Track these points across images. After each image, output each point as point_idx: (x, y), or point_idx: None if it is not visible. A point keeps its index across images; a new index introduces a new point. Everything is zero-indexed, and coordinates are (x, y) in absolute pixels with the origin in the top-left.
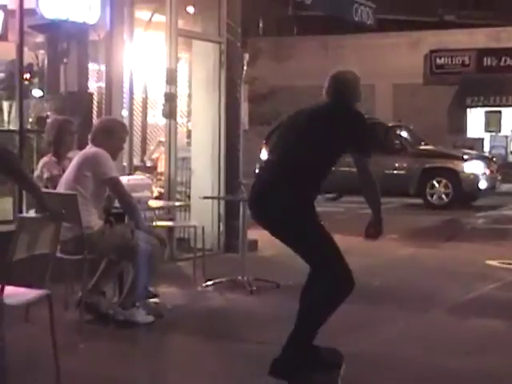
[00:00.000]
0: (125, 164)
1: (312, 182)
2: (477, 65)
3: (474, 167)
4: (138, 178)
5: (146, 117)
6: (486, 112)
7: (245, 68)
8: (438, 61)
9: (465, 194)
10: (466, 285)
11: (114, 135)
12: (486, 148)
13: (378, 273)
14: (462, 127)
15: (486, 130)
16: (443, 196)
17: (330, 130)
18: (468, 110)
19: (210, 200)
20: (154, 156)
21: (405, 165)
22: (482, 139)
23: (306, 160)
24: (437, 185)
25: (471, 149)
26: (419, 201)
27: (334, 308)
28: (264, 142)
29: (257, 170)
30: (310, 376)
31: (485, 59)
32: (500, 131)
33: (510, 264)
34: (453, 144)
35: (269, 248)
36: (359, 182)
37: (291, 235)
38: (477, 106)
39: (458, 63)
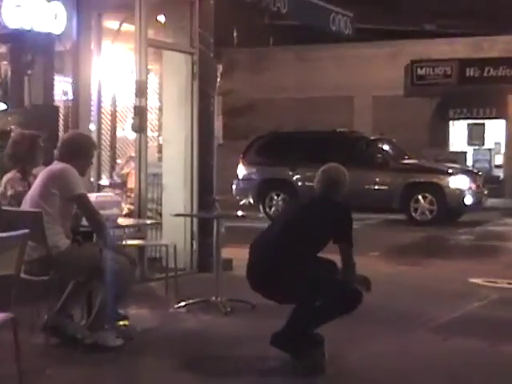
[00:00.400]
0: (93, 180)
1: (307, 258)
2: (459, 76)
3: (459, 182)
4: (107, 194)
5: (115, 131)
6: (469, 124)
7: (218, 80)
8: (419, 71)
9: (450, 209)
10: (449, 303)
11: (81, 150)
12: (470, 162)
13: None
14: (444, 140)
15: (469, 144)
16: (427, 212)
17: (322, 220)
18: (450, 122)
19: (183, 218)
20: (124, 172)
21: (387, 179)
22: (465, 153)
23: (303, 244)
24: (421, 200)
25: (454, 163)
26: (402, 217)
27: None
28: (241, 156)
29: (233, 187)
30: (305, 349)
31: (467, 70)
32: (483, 144)
33: (494, 282)
34: (435, 158)
35: (244, 267)
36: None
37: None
38: (459, 119)
39: (440, 74)
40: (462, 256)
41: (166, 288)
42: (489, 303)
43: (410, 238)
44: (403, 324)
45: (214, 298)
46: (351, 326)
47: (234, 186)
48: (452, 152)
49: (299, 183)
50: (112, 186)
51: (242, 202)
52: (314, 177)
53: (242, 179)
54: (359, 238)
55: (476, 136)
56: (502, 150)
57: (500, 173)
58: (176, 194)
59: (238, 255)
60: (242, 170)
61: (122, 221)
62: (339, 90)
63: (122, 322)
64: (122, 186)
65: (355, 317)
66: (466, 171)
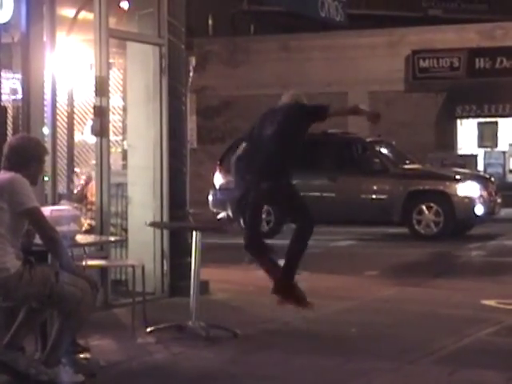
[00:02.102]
0: (47, 192)
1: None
2: (468, 67)
3: (468, 189)
4: (64, 208)
5: (72, 135)
6: (480, 123)
7: (191, 75)
8: (422, 63)
9: (458, 221)
10: (457, 330)
11: (30, 157)
12: (480, 166)
13: (355, 318)
14: (451, 142)
15: (480, 145)
16: (432, 224)
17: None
18: (458, 121)
19: (152, 234)
20: (81, 182)
21: (387, 188)
22: (476, 156)
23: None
24: (425, 211)
25: (463, 167)
26: (404, 230)
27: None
28: (218, 163)
29: (210, 198)
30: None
31: (477, 61)
32: (496, 146)
33: (509, 304)
34: (441, 162)
35: (222, 290)
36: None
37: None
38: (468, 117)
39: (446, 66)
40: (473, 275)
41: (133, 315)
42: (503, 329)
43: (413, 255)
44: (405, 356)
45: (190, 323)
46: (347, 360)
47: (210, 198)
48: (460, 155)
49: None
50: (69, 198)
51: (219, 216)
52: (302, 186)
53: (220, 189)
54: (353, 256)
55: (488, 136)
56: None
57: None
58: (143, 206)
59: (215, 277)
60: (219, 179)
61: (81, 238)
62: (330, 85)
63: (82, 355)
64: (81, 198)
65: (352, 349)
66: (477, 177)
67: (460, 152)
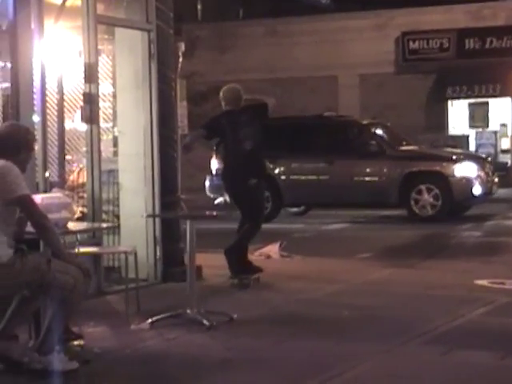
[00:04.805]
0: (39, 180)
1: None
2: (457, 48)
3: (466, 170)
4: (55, 195)
5: (62, 122)
6: (471, 104)
7: (180, 60)
8: (412, 45)
9: (456, 202)
10: (450, 310)
11: (20, 144)
12: (472, 146)
13: (347, 301)
14: (441, 123)
15: (471, 126)
16: (430, 205)
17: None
18: (449, 102)
19: (144, 220)
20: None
21: (383, 170)
22: (467, 136)
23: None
24: (422, 192)
25: (454, 148)
26: (399, 212)
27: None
28: (214, 148)
29: (207, 183)
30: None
31: (466, 41)
32: (487, 126)
33: (502, 283)
34: (431, 143)
35: (215, 275)
36: None
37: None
38: (459, 98)
39: (436, 47)
40: (467, 255)
41: (126, 302)
42: (496, 308)
43: (407, 237)
44: (396, 337)
45: (189, 311)
46: (337, 342)
47: (207, 183)
48: (451, 136)
49: (282, 177)
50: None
51: (216, 201)
52: (299, 170)
53: (216, 175)
54: (346, 239)
55: (478, 117)
56: (509, 132)
57: (507, 158)
58: (135, 193)
59: (208, 262)
60: (215, 164)
61: (73, 225)
62: (320, 68)
63: (76, 343)
64: (73, 186)
65: (341, 330)
66: (474, 157)
67: (451, 133)
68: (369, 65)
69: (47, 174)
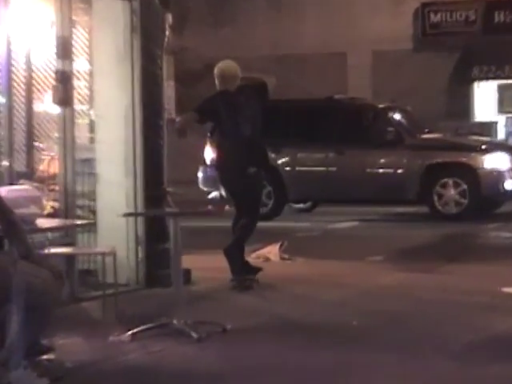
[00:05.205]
0: (2, 170)
1: None
2: (485, 22)
3: (497, 161)
4: (22, 188)
5: (31, 104)
6: (500, 86)
7: (167, 34)
8: (433, 18)
9: (485, 197)
10: (473, 321)
11: None
12: (501, 135)
13: (357, 308)
14: (466, 108)
15: (500, 111)
16: (455, 202)
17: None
18: (475, 84)
19: (124, 217)
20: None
21: (402, 160)
22: (496, 123)
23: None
24: (447, 186)
25: (481, 136)
26: (417, 209)
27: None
28: (208, 135)
29: (199, 174)
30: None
31: (496, 14)
32: None
33: None
34: (455, 131)
35: (207, 279)
36: None
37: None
38: (487, 79)
39: (460, 20)
40: (493, 259)
41: (104, 310)
42: None
43: (427, 237)
44: (413, 349)
45: (175, 321)
46: (348, 354)
47: (199, 174)
48: (477, 123)
49: (286, 168)
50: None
51: (210, 196)
52: (306, 160)
53: (210, 165)
54: (355, 238)
55: (509, 101)
56: None
57: None
58: (114, 185)
59: (200, 264)
60: (210, 154)
61: (43, 222)
62: (327, 44)
63: (45, 356)
64: (43, 178)
65: (352, 341)
66: (505, 147)
67: (477, 119)
68: (383, 40)
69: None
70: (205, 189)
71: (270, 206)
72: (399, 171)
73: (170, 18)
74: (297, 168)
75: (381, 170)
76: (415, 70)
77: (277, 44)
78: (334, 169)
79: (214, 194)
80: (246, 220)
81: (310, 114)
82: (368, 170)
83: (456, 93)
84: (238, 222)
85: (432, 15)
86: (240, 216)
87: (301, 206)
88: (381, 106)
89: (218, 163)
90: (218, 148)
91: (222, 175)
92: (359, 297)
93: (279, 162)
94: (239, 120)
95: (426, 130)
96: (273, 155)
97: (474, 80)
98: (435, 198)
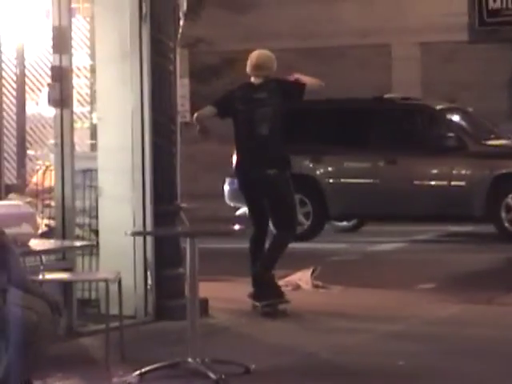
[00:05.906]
0: None
1: None
2: None
3: None
4: (13, 204)
5: (23, 105)
6: None
7: (181, 23)
8: (492, 4)
9: None
10: None
11: None
12: None
13: (401, 347)
14: None
15: None
16: None
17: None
18: None
19: (130, 237)
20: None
21: (465, 171)
22: None
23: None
24: None
25: None
26: (488, 229)
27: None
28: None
29: (226, 187)
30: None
31: None
32: None
33: None
34: None
35: (227, 311)
36: None
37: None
38: None
39: None
40: None
41: (107, 346)
42: None
43: (488, 262)
44: None
45: (190, 359)
46: None
47: (226, 187)
48: None
49: (327, 180)
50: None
51: (238, 213)
52: (350, 170)
53: None
54: (402, 263)
55: None
56: None
57: None
58: (119, 200)
59: (218, 293)
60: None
61: (36, 243)
62: (367, 35)
63: None
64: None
65: None
66: None
67: None
68: (433, 30)
69: None
70: (231, 204)
71: (307, 225)
72: (461, 183)
73: (184, 4)
74: (339, 180)
75: (438, 182)
76: (471, 64)
77: (306, 34)
78: (382, 181)
79: (242, 211)
80: (278, 234)
81: (356, 117)
82: (422, 182)
83: None
84: (256, 243)
85: (491, 1)
86: (259, 234)
87: (344, 224)
88: (439, 107)
89: (235, 169)
90: (236, 149)
91: (240, 181)
92: (407, 333)
93: (318, 172)
94: (255, 117)
95: (492, 136)
96: (311, 165)
97: None
98: (503, 214)
